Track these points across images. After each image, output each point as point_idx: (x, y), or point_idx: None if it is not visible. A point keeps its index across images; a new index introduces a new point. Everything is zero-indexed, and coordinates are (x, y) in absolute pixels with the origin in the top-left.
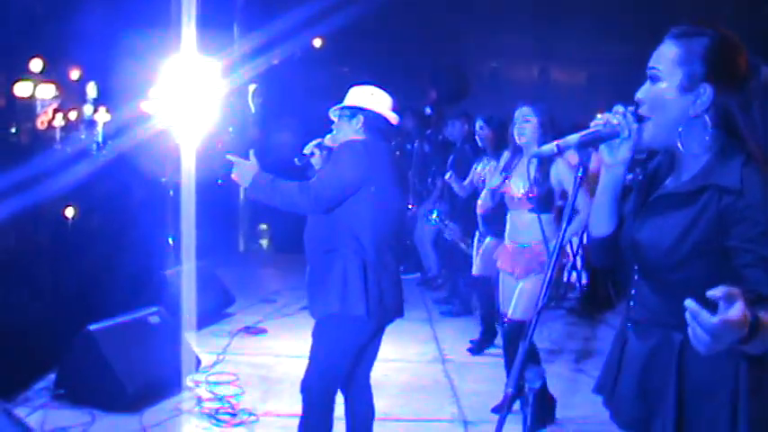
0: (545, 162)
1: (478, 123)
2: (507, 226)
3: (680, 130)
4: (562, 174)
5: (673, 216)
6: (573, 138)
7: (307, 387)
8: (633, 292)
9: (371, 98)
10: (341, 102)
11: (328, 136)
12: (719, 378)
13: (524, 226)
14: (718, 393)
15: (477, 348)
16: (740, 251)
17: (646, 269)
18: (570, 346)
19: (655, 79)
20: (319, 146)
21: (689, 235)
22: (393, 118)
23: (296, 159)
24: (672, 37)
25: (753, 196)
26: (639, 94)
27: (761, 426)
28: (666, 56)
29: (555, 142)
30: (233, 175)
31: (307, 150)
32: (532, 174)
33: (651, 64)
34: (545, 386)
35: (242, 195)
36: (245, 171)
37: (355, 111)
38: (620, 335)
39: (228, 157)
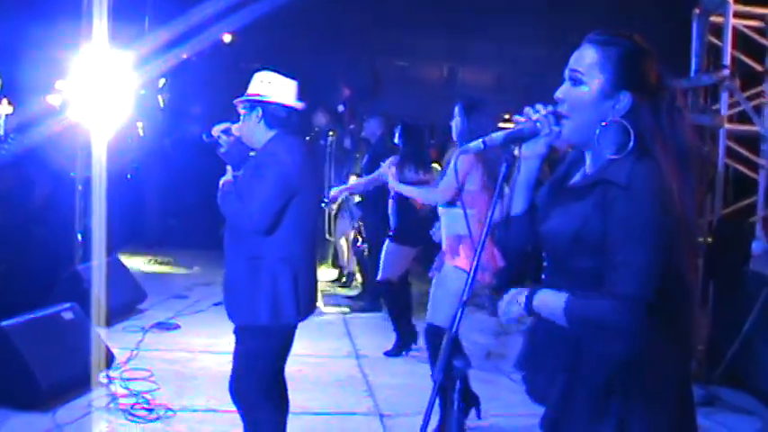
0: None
1: (397, 132)
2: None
3: (597, 132)
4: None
5: (573, 208)
6: (498, 135)
7: (244, 398)
8: (543, 277)
9: (269, 87)
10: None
11: (236, 125)
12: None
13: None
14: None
15: (395, 353)
16: (607, 251)
17: (554, 258)
18: (489, 346)
19: (576, 82)
20: (226, 131)
21: (587, 227)
22: (296, 105)
23: (204, 135)
24: (592, 43)
25: (636, 191)
26: (559, 94)
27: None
28: (588, 60)
29: (481, 139)
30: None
31: (214, 133)
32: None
33: (573, 66)
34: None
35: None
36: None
37: (254, 104)
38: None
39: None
